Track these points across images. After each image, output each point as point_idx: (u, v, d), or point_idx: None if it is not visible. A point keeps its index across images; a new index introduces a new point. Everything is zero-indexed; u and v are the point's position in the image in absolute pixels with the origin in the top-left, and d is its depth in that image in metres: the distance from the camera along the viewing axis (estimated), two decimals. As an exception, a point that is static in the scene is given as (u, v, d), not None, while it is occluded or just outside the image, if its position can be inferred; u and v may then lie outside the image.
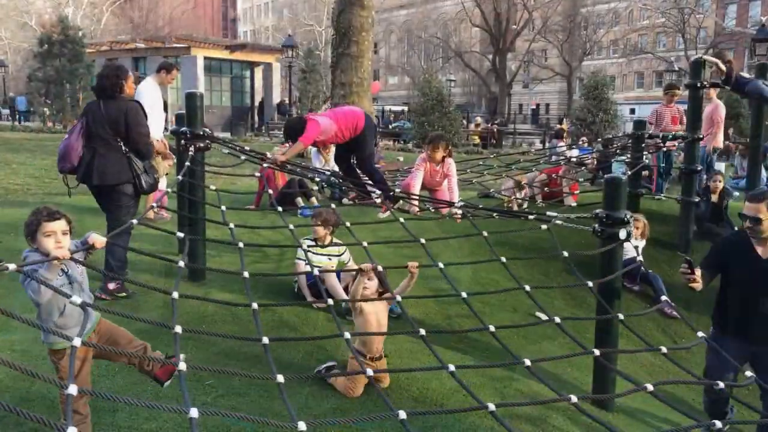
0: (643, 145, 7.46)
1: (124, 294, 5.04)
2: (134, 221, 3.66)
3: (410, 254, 5.26)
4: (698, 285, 3.92)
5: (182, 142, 5.08)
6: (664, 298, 4.18)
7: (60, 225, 2.78)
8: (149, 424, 3.20)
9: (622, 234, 4.05)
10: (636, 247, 5.21)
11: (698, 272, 3.90)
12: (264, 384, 3.68)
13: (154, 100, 7.09)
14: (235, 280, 4.84)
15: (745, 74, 7.24)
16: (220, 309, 4.79)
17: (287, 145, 7.43)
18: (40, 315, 2.82)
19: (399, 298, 3.75)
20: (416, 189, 6.65)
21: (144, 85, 7.30)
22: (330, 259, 5.16)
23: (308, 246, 4.95)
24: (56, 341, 2.82)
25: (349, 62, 12.77)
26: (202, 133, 5.06)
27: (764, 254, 3.98)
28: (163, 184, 7.15)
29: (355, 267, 4.19)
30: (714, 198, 7.91)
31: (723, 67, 6.47)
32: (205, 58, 30.62)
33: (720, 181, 7.90)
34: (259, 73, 33.68)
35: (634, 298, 6.66)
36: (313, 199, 8.20)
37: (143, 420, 3.22)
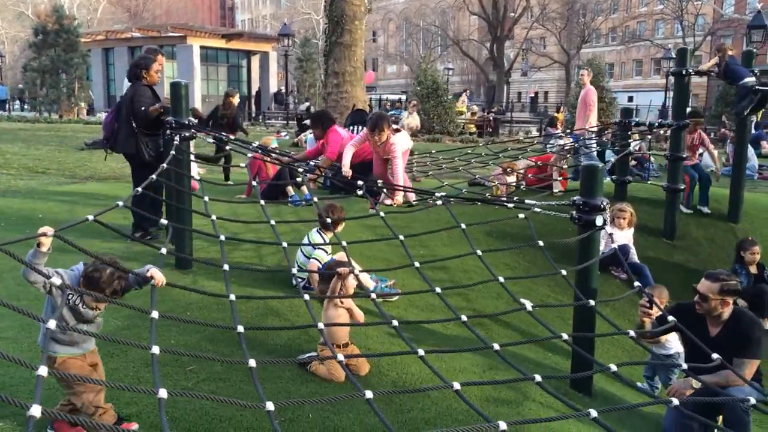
0: (630, 132, 7.49)
1: (149, 237, 6.12)
2: (139, 189, 3.95)
3: (397, 243, 5.32)
4: (647, 321, 4.20)
5: (167, 131, 5.12)
6: (639, 286, 4.21)
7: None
8: (129, 408, 3.27)
9: (599, 221, 4.10)
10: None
11: (655, 311, 4.10)
12: (245, 369, 3.74)
13: None
14: (219, 270, 4.90)
15: (734, 61, 7.29)
16: (206, 295, 4.86)
17: (279, 134, 7.64)
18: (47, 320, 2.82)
19: (374, 296, 3.83)
20: (346, 161, 6.75)
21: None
22: (327, 253, 5.21)
23: (314, 239, 5.06)
24: (58, 350, 2.85)
25: (342, 51, 12.80)
26: (187, 122, 5.11)
27: (713, 332, 4.05)
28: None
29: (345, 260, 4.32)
30: (753, 269, 6.71)
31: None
32: (202, 47, 30.58)
33: (757, 253, 6.64)
34: (255, 62, 33.65)
35: (621, 285, 6.73)
36: (304, 189, 8.25)
37: (123, 405, 3.28)
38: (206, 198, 4.57)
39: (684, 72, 6.77)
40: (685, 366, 3.12)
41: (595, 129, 10.06)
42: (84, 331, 2.80)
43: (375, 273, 5.37)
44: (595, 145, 9.15)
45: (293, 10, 58.57)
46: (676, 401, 2.44)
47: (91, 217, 2.98)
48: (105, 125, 6.52)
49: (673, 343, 4.86)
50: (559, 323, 5.45)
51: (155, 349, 2.43)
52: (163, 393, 2.15)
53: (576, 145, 9.55)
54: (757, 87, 6.92)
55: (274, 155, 6.23)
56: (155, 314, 2.75)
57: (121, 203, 3.40)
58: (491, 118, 26.44)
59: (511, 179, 7.70)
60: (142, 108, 5.93)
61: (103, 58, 32.69)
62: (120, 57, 31.84)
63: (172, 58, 30.44)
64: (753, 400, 2.58)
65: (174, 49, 30.42)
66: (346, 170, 6.35)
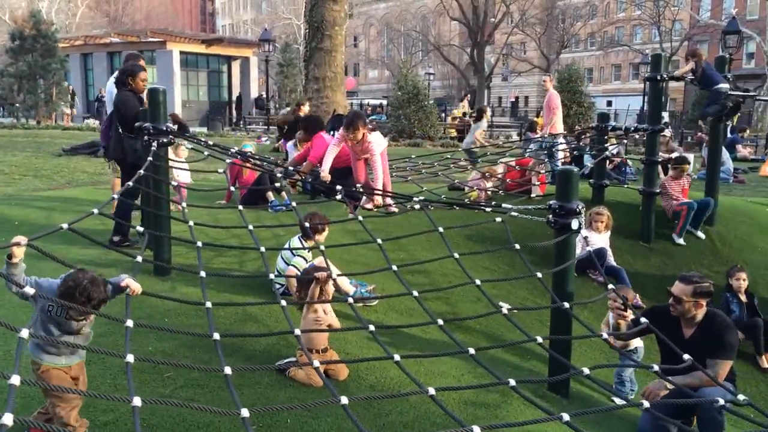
0: (606, 137, 7.59)
1: (127, 244, 6.13)
2: (114, 196, 4.01)
3: (378, 248, 5.34)
4: (623, 323, 4.30)
5: (145, 137, 5.10)
6: (612, 288, 4.27)
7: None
8: (106, 416, 3.25)
9: (575, 224, 4.16)
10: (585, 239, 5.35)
11: (629, 313, 4.20)
12: (223, 375, 3.74)
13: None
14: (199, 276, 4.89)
15: (709, 67, 7.40)
16: (184, 303, 4.83)
17: (260, 139, 7.64)
18: (36, 328, 2.76)
19: (351, 300, 3.84)
20: (326, 165, 6.68)
21: (111, 82, 7.32)
22: (306, 261, 5.20)
23: (295, 248, 5.05)
24: (44, 358, 2.84)
25: (322, 56, 12.81)
26: (164, 128, 5.09)
27: (687, 334, 4.14)
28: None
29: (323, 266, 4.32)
30: (743, 297, 6.56)
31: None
32: (181, 52, 30.42)
33: (744, 280, 6.52)
34: (236, 67, 33.54)
35: (598, 288, 6.79)
36: (284, 194, 8.24)
37: (100, 413, 3.27)
38: (184, 204, 4.55)
39: (658, 77, 6.88)
40: (656, 368, 3.16)
41: (561, 133, 10.23)
42: (69, 344, 2.77)
43: (354, 278, 5.38)
44: (562, 149, 9.25)
45: (274, 15, 58.49)
46: (646, 404, 2.48)
47: (65, 226, 2.97)
48: (102, 134, 6.91)
49: (637, 340, 4.88)
50: (538, 326, 5.50)
51: (130, 358, 2.43)
52: (137, 401, 2.15)
53: (545, 149, 9.72)
54: (729, 93, 7.04)
55: (260, 162, 6.22)
56: (130, 323, 2.74)
57: (96, 210, 3.38)
58: (472, 123, 26.53)
59: (490, 184, 7.77)
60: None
61: (81, 63, 32.40)
62: (99, 62, 31.59)
63: (152, 64, 30.23)
64: (722, 401, 2.62)
65: (153, 54, 30.23)
66: (325, 174, 6.34)
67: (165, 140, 5.08)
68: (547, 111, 11.02)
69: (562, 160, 9.50)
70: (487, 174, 7.74)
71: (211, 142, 5.69)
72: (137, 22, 56.78)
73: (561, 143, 9.37)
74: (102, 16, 57.62)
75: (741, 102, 7.73)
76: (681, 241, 7.58)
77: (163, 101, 5.10)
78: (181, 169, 7.53)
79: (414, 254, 6.48)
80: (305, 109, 11.05)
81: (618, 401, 4.36)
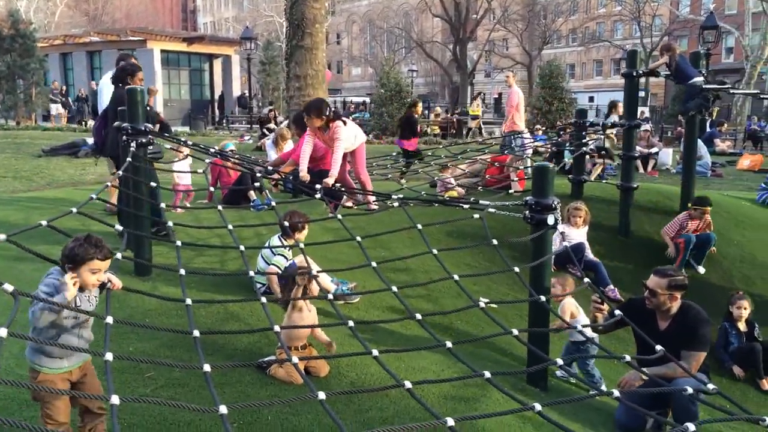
0: (584, 133, 7.68)
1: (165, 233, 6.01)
2: (93, 195, 3.94)
3: (364, 246, 5.38)
4: (600, 316, 4.40)
5: (124, 138, 5.10)
6: (588, 282, 4.35)
7: (107, 264, 2.74)
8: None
9: (550, 220, 4.22)
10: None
11: (606, 306, 4.30)
12: (203, 374, 3.76)
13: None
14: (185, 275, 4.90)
15: (684, 61, 7.48)
16: (165, 302, 4.85)
17: (243, 138, 7.60)
18: (32, 332, 2.71)
19: (330, 296, 3.88)
20: (303, 164, 6.54)
21: (104, 80, 7.39)
22: (287, 259, 5.23)
23: (274, 246, 5.08)
24: (43, 364, 2.76)
25: (303, 54, 12.79)
26: (143, 128, 5.09)
27: (662, 326, 4.24)
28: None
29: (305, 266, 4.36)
30: (742, 326, 6.23)
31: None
32: (162, 51, 30.21)
33: (743, 308, 6.20)
34: (218, 65, 33.37)
35: (578, 282, 6.87)
36: (266, 193, 8.25)
37: (81, 412, 3.28)
38: (163, 204, 4.56)
39: (634, 73, 6.96)
40: (628, 358, 3.24)
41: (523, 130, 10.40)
42: (73, 347, 2.70)
43: (335, 275, 5.42)
44: (530, 145, 9.35)
45: (256, 12, 58.21)
46: (617, 393, 2.54)
47: (44, 223, 2.97)
48: (95, 132, 6.99)
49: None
50: (518, 321, 5.56)
51: (108, 356, 2.45)
52: (115, 399, 2.17)
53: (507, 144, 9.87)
54: (704, 86, 7.14)
55: (240, 161, 6.22)
56: (110, 320, 2.76)
57: (75, 209, 3.39)
58: (455, 120, 26.66)
59: (449, 176, 7.83)
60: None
61: (61, 63, 32.09)
62: (78, 62, 31.30)
63: (133, 63, 29.99)
64: (690, 390, 2.70)
65: (134, 53, 29.95)
66: (303, 174, 6.31)
67: (143, 140, 5.07)
68: (508, 107, 11.23)
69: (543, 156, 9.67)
70: (449, 168, 7.83)
71: (190, 142, 5.67)
72: (117, 21, 56.30)
73: (523, 139, 9.48)
74: (81, 15, 57.04)
75: (718, 95, 7.83)
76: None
77: (141, 101, 5.10)
78: (180, 171, 7.50)
79: (396, 252, 6.53)
80: (419, 109, 11.21)
81: (592, 392, 4.43)
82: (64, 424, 2.81)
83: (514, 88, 11.15)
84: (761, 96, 9.86)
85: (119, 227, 3.87)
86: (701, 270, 7.23)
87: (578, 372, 4.94)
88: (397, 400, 3.76)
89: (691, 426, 2.10)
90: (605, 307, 4.31)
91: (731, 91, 7.59)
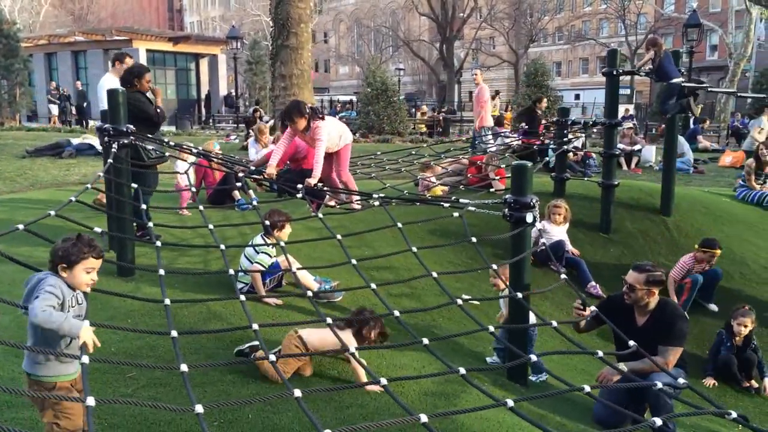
0: (566, 131, 7.75)
1: (148, 237, 5.77)
2: (72, 198, 3.89)
3: (345, 245, 5.40)
4: (582, 320, 4.37)
5: (105, 138, 5.10)
6: (565, 278, 4.41)
7: (100, 262, 2.74)
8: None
9: (529, 218, 4.28)
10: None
11: (588, 311, 4.29)
12: (187, 374, 3.78)
13: None
14: (167, 275, 4.92)
15: (668, 59, 7.54)
16: (148, 303, 4.86)
17: (229, 137, 7.60)
18: (36, 342, 2.66)
19: (310, 294, 3.91)
20: (273, 161, 6.50)
21: (103, 80, 7.40)
22: (271, 257, 5.25)
23: (257, 244, 5.10)
24: (59, 372, 2.72)
25: (288, 54, 12.80)
26: (125, 129, 5.10)
27: (640, 322, 4.30)
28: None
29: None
30: (738, 341, 6.00)
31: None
32: (148, 50, 30.07)
33: (746, 326, 5.92)
34: (204, 65, 33.27)
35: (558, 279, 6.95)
36: (251, 192, 8.25)
37: (62, 413, 3.30)
38: (144, 206, 4.58)
39: (614, 72, 7.05)
40: (601, 354, 3.29)
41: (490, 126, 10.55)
42: (69, 355, 2.66)
43: (318, 274, 5.45)
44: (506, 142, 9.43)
45: (242, 11, 58.00)
46: (587, 388, 2.59)
47: (21, 227, 2.99)
48: (100, 133, 7.08)
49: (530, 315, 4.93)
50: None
51: (85, 359, 2.47)
52: (90, 401, 2.20)
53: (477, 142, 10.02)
54: (683, 84, 7.22)
55: (223, 161, 6.23)
56: (86, 323, 2.77)
57: (53, 212, 3.40)
58: (441, 118, 26.73)
59: (429, 175, 7.89)
60: (155, 110, 6.25)
61: (45, 63, 31.87)
62: (63, 62, 31.10)
63: (118, 62, 29.83)
64: (659, 384, 2.75)
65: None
66: (270, 171, 6.30)
67: (126, 141, 5.08)
68: (477, 104, 11.45)
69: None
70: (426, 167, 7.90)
71: (172, 143, 5.69)
72: (102, 20, 55.90)
73: (485, 135, 9.60)
74: (66, 14, 56.61)
75: (697, 94, 7.91)
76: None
77: (123, 102, 5.11)
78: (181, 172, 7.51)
79: (379, 251, 6.56)
80: (543, 105, 11.29)
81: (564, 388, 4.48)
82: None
83: (482, 85, 11.36)
84: (738, 94, 10.00)
85: (98, 229, 3.89)
86: (713, 307, 6.76)
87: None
88: (378, 397, 3.80)
89: (658, 421, 2.15)
90: (587, 312, 4.36)
91: (709, 89, 7.66)
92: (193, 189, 5.85)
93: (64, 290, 2.63)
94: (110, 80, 7.34)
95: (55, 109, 26.66)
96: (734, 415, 2.27)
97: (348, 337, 3.82)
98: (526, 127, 11.09)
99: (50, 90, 27.37)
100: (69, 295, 2.67)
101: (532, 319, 4.66)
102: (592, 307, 4.05)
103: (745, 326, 5.92)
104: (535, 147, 9.48)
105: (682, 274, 6.72)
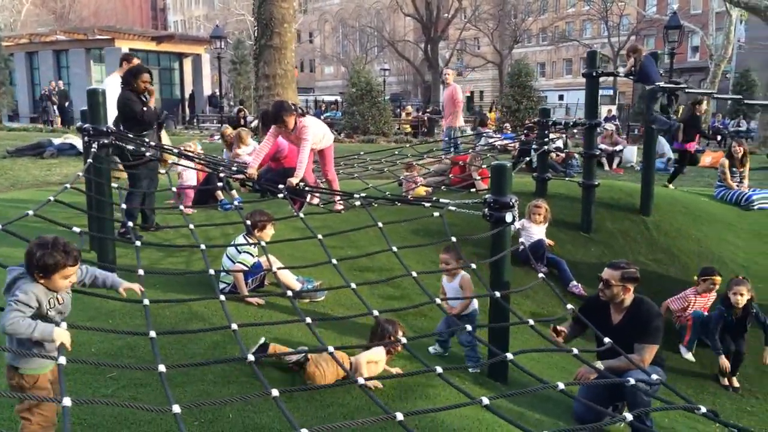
0: (547, 131, 7.82)
1: (129, 236, 5.83)
2: (51, 198, 3.91)
3: (330, 244, 5.42)
4: (560, 340, 4.42)
5: (85, 139, 5.08)
6: (542, 277, 4.46)
7: (77, 267, 2.77)
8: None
9: (508, 217, 4.32)
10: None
11: (564, 333, 4.40)
12: (167, 374, 3.78)
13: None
14: (146, 276, 4.90)
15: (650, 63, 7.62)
16: (129, 303, 4.84)
17: (213, 137, 7.59)
18: (13, 343, 2.68)
19: (290, 293, 3.92)
20: (257, 162, 6.52)
21: (108, 81, 7.39)
22: (253, 256, 5.25)
23: (239, 244, 5.11)
24: (32, 366, 2.72)
25: (272, 54, 12.79)
26: (105, 129, 5.08)
27: (616, 320, 4.36)
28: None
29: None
30: (737, 312, 5.95)
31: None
32: (131, 49, 29.77)
33: (742, 294, 5.85)
34: (188, 64, 33.09)
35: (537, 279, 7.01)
36: (234, 192, 8.25)
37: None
38: (123, 205, 4.57)
39: (594, 73, 7.12)
40: (576, 351, 3.34)
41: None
42: (47, 356, 2.66)
43: (301, 274, 5.46)
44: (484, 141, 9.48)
45: (227, 11, 57.74)
46: (561, 385, 2.63)
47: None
48: None
49: (474, 302, 4.87)
50: (482, 316, 5.66)
51: (62, 360, 2.48)
52: (67, 401, 2.20)
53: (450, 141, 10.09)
54: (661, 87, 7.31)
55: (205, 162, 6.22)
56: (64, 325, 2.77)
57: (31, 212, 3.40)
58: (426, 118, 26.81)
59: (413, 174, 7.93)
60: (141, 109, 6.27)
61: (27, 62, 31.56)
62: (45, 61, 30.82)
63: (101, 62, 29.66)
64: (632, 381, 2.80)
65: (102, 52, 29.65)
66: (251, 171, 6.29)
67: (105, 141, 5.06)
68: (452, 104, 11.52)
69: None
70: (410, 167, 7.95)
71: (152, 143, 5.67)
72: (84, 19, 55.38)
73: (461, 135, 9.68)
74: (48, 13, 56.04)
75: (676, 95, 8.01)
76: (690, 356, 6.35)
77: (102, 102, 5.09)
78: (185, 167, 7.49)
79: (364, 251, 6.58)
80: (703, 108, 11.40)
81: (562, 385, 4.53)
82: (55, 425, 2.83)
83: (455, 85, 11.44)
84: (715, 96, 10.16)
85: (77, 229, 3.88)
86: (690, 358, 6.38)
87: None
88: (359, 396, 3.81)
89: (628, 416, 2.19)
90: (561, 336, 4.45)
91: (687, 90, 7.77)
92: (173, 189, 5.83)
93: (40, 295, 2.63)
94: (114, 80, 7.38)
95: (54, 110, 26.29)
96: (704, 409, 2.32)
97: (381, 355, 3.89)
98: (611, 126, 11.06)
99: (50, 90, 26.96)
100: (47, 297, 2.67)
101: (474, 304, 4.73)
102: (570, 306, 4.10)
103: (741, 294, 5.85)
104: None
105: (679, 307, 6.52)
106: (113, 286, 3.08)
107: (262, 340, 4.00)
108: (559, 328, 4.46)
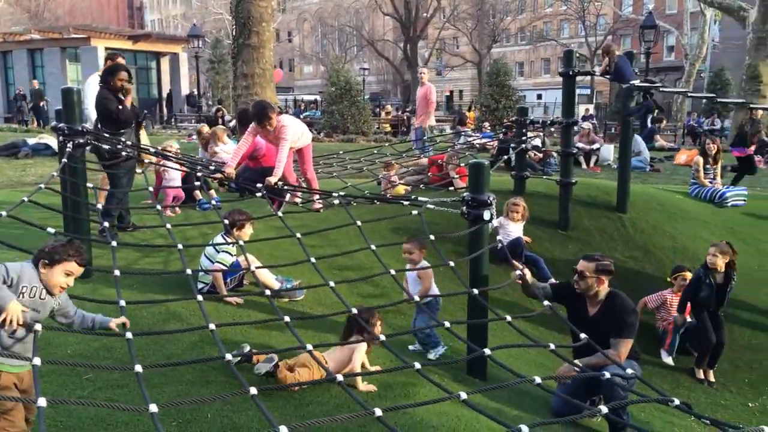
0: (525, 130, 7.88)
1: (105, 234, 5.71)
2: (25, 198, 3.91)
3: (310, 244, 5.41)
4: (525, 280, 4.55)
5: (60, 138, 5.02)
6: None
7: (81, 271, 2.86)
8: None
9: (486, 215, 4.35)
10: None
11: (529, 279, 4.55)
12: (143, 375, 3.75)
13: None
14: (124, 276, 4.86)
15: (624, 62, 7.71)
16: (106, 304, 4.80)
17: (191, 137, 7.53)
18: None
19: (268, 292, 3.92)
20: (235, 161, 6.42)
21: (90, 80, 7.32)
22: (232, 255, 5.23)
23: (217, 243, 5.09)
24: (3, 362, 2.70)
25: (250, 53, 12.74)
26: (80, 128, 5.03)
27: (591, 312, 4.43)
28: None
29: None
30: (719, 278, 5.96)
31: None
32: (107, 48, 29.43)
33: (716, 255, 5.90)
34: (165, 63, 32.78)
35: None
36: (212, 192, 8.20)
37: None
38: (99, 205, 4.53)
39: (570, 72, 7.20)
40: (552, 346, 3.38)
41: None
42: (21, 357, 2.66)
43: (280, 273, 5.45)
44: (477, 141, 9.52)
45: (204, 10, 57.30)
46: (538, 380, 2.66)
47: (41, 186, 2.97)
48: None
49: (434, 290, 4.91)
50: (462, 313, 5.70)
51: (36, 361, 2.46)
52: (42, 402, 2.19)
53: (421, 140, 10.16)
54: (637, 84, 7.41)
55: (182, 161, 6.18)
56: (38, 327, 2.75)
57: (4, 213, 3.35)
58: (406, 117, 26.85)
59: (392, 174, 7.97)
60: (116, 107, 6.21)
61: (1, 61, 31.08)
62: (19, 60, 30.35)
63: (76, 61, 29.28)
64: (607, 375, 2.84)
65: (78, 51, 29.26)
66: (228, 170, 6.22)
67: (81, 141, 5.01)
68: (425, 103, 11.58)
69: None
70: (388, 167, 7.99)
71: (129, 142, 5.62)
72: (60, 18, 54.62)
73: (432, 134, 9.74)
74: (22, 12, 55.18)
75: (652, 94, 8.12)
76: (670, 360, 6.38)
77: (77, 101, 5.03)
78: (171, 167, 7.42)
79: (343, 249, 6.58)
80: (760, 113, 11.24)
81: (540, 381, 4.57)
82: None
83: (430, 85, 11.49)
84: (689, 94, 10.31)
85: (51, 229, 3.84)
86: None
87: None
88: (338, 394, 3.82)
89: (603, 408, 2.23)
90: (527, 273, 4.59)
91: (661, 89, 7.87)
92: (150, 188, 5.79)
93: (26, 278, 2.67)
94: (96, 80, 7.30)
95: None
96: (677, 402, 2.36)
97: (360, 345, 3.86)
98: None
99: (33, 90, 26.50)
100: (31, 283, 2.70)
101: (435, 290, 4.79)
102: (552, 280, 4.16)
103: (716, 255, 5.88)
104: None
105: (656, 303, 6.61)
106: (102, 325, 3.14)
107: (247, 348, 3.97)
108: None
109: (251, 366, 3.83)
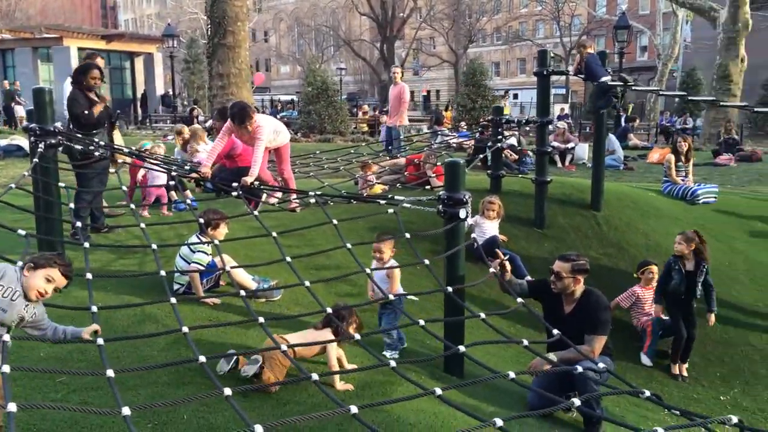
0: (500, 129, 7.94)
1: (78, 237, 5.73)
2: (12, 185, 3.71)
3: (287, 243, 5.40)
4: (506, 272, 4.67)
5: (32, 138, 4.96)
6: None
7: (62, 283, 2.88)
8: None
9: (462, 213, 4.38)
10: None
11: (508, 275, 4.65)
12: (118, 378, 3.72)
13: None
14: (98, 279, 4.80)
15: (594, 60, 7.79)
16: (78, 309, 4.74)
17: (166, 138, 7.48)
18: None
19: (242, 293, 3.91)
20: (210, 161, 6.34)
21: (68, 81, 7.21)
22: (207, 254, 5.19)
23: (192, 243, 5.08)
24: None
25: (225, 53, 12.67)
26: (53, 129, 4.97)
27: (567, 309, 4.50)
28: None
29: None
30: (689, 265, 6.13)
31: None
32: (80, 48, 29.06)
33: (680, 243, 6.14)
34: (139, 63, 32.45)
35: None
36: (188, 192, 8.13)
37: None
38: (71, 205, 4.48)
39: (545, 72, 7.27)
40: (526, 342, 3.42)
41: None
42: None
43: (256, 273, 5.43)
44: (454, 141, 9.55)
45: (179, 9, 56.78)
46: (512, 374, 2.70)
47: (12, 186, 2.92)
48: None
49: (399, 290, 4.90)
50: (439, 312, 5.73)
51: (6, 368, 2.43)
52: (12, 407, 2.17)
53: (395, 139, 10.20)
54: (609, 83, 7.50)
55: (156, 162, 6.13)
56: (7, 337, 2.72)
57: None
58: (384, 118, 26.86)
59: (369, 174, 7.99)
60: (83, 111, 6.20)
61: (-30, 61, 30.54)
62: (-10, 60, 29.86)
63: (48, 61, 28.85)
64: (580, 369, 2.88)
65: (50, 51, 28.83)
66: (204, 171, 6.15)
67: (53, 141, 4.95)
68: (399, 102, 11.63)
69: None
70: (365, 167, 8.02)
71: (102, 143, 5.57)
72: (31, 18, 53.72)
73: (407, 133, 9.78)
74: (-8, 10, 54.22)
75: (624, 92, 8.21)
76: (648, 361, 6.37)
77: (49, 101, 4.98)
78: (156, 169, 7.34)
79: (320, 249, 6.58)
80: None
81: (513, 375, 4.61)
82: None
83: (403, 84, 11.59)
84: (660, 93, 10.46)
85: (22, 231, 3.79)
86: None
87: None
88: (315, 394, 3.82)
89: (576, 401, 2.26)
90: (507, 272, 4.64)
91: (633, 88, 7.99)
92: (124, 188, 5.74)
93: (5, 278, 2.72)
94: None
95: (20, 111, 25.27)
96: (648, 393, 2.41)
97: (328, 337, 3.86)
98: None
99: (16, 91, 25.96)
100: (8, 284, 2.73)
101: (400, 289, 4.80)
102: (528, 277, 4.20)
103: (680, 243, 6.10)
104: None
105: (629, 301, 6.67)
106: (74, 335, 3.16)
107: (234, 359, 3.94)
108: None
109: (239, 369, 3.83)
